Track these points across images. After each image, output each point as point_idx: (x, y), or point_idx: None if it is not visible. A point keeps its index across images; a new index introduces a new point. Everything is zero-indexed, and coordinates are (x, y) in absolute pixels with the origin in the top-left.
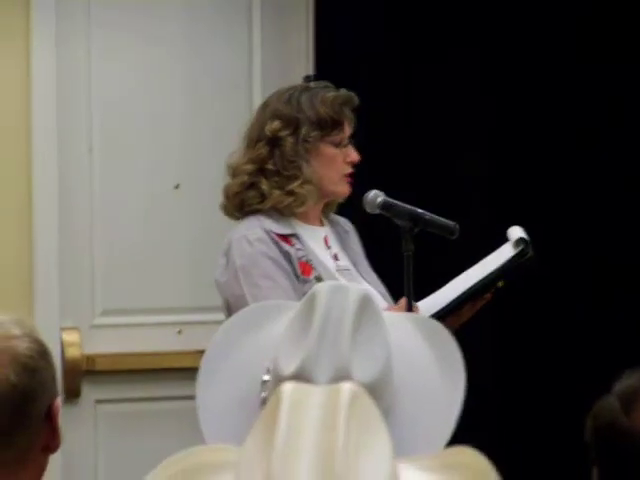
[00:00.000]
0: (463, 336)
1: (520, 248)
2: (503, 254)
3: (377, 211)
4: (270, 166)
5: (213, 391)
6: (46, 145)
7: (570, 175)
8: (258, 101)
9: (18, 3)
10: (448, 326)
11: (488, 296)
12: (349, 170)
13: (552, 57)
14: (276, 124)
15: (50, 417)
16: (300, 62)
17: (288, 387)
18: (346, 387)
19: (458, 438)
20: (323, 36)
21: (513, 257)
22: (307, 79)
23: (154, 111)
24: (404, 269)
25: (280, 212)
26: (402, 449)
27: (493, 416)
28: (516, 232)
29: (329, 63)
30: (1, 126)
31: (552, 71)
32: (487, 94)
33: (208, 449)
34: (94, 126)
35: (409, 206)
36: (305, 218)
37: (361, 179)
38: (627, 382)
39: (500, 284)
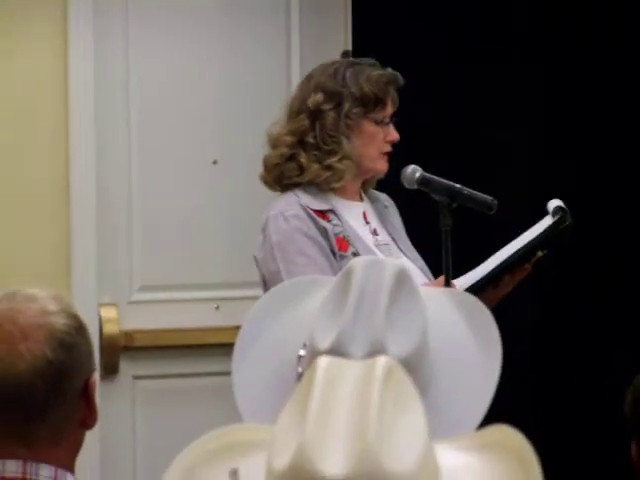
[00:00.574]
0: (502, 312)
1: (558, 216)
2: (542, 224)
3: (415, 186)
4: (310, 139)
5: (249, 367)
6: (84, 123)
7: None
8: (296, 76)
9: (56, 1)
10: (488, 298)
11: (528, 266)
12: (388, 149)
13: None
14: (319, 97)
15: (86, 393)
16: (338, 38)
17: (323, 361)
18: (381, 361)
19: (495, 415)
20: (362, 11)
21: (552, 225)
22: (345, 54)
23: (192, 89)
24: (442, 244)
25: (318, 186)
26: (438, 424)
27: (529, 393)
28: (554, 202)
29: (367, 40)
30: (40, 124)
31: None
32: (531, 69)
33: (243, 428)
34: (131, 103)
35: (447, 181)
36: (343, 193)
37: (399, 154)
38: None
39: (540, 254)
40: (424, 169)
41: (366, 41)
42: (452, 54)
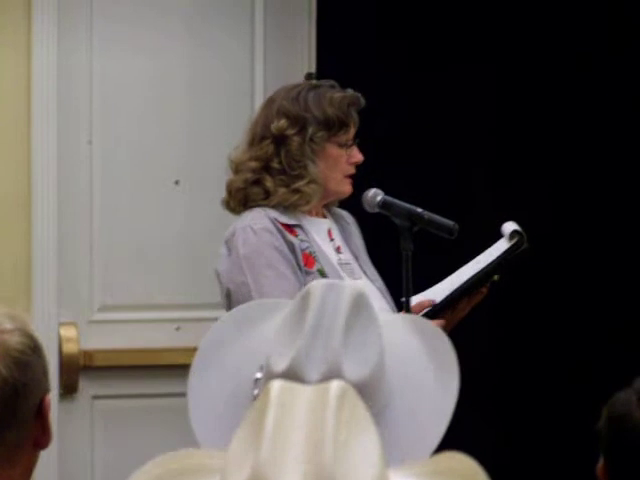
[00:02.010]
0: (460, 335)
1: (515, 240)
2: (498, 248)
3: (376, 210)
4: (275, 164)
5: (205, 388)
6: (46, 139)
7: (567, 176)
8: (260, 98)
9: (19, 6)
10: (445, 323)
11: (484, 290)
12: (352, 171)
13: (552, 61)
14: (283, 122)
15: (41, 413)
16: (302, 60)
17: (277, 385)
18: (334, 384)
19: (452, 439)
20: (325, 33)
21: (508, 249)
22: (309, 77)
23: (156, 111)
24: (403, 268)
25: (286, 208)
26: (394, 448)
27: (487, 418)
28: (510, 226)
29: (331, 61)
30: (1, 121)
31: (553, 75)
32: (487, 91)
33: (194, 453)
34: (94, 121)
35: (408, 205)
36: (308, 211)
37: (361, 177)
38: None
39: (496, 278)
40: (385, 192)
41: (330, 64)
42: (412, 74)
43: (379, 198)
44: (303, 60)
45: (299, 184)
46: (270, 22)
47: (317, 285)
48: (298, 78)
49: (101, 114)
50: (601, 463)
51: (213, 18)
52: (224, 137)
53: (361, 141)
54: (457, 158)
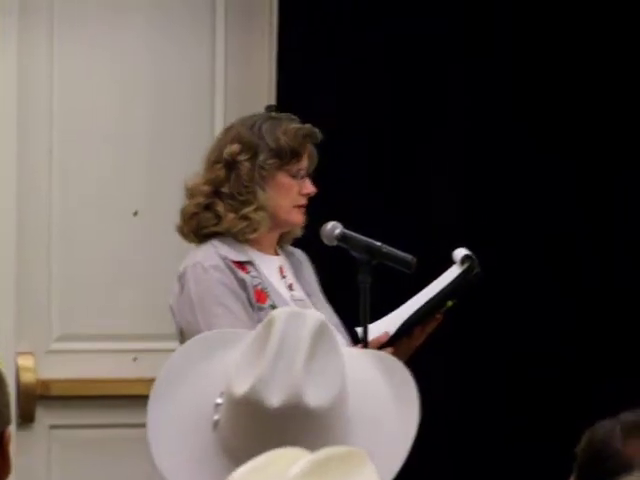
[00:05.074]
0: (418, 366)
1: (466, 265)
2: (450, 274)
3: (335, 243)
4: (226, 189)
5: (164, 416)
6: (5, 162)
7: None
8: (219, 127)
9: None
10: (401, 350)
11: (439, 317)
12: (303, 201)
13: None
14: (235, 147)
15: (1, 445)
16: (262, 91)
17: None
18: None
19: (412, 470)
20: (286, 45)
21: (460, 275)
22: (269, 109)
23: (116, 140)
24: (360, 300)
25: (234, 237)
26: None
27: (446, 452)
28: (461, 252)
29: (292, 80)
30: None
31: (520, 97)
32: (452, 119)
33: None
34: (54, 153)
35: (367, 238)
36: (260, 246)
37: (318, 210)
38: (635, 416)
39: (449, 304)
40: (344, 225)
41: (291, 96)
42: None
43: (337, 231)
44: (262, 92)
45: (247, 210)
46: (231, 50)
47: (280, 313)
48: (259, 110)
49: (61, 149)
50: None
51: (174, 36)
52: (183, 169)
53: (320, 171)
54: (421, 187)
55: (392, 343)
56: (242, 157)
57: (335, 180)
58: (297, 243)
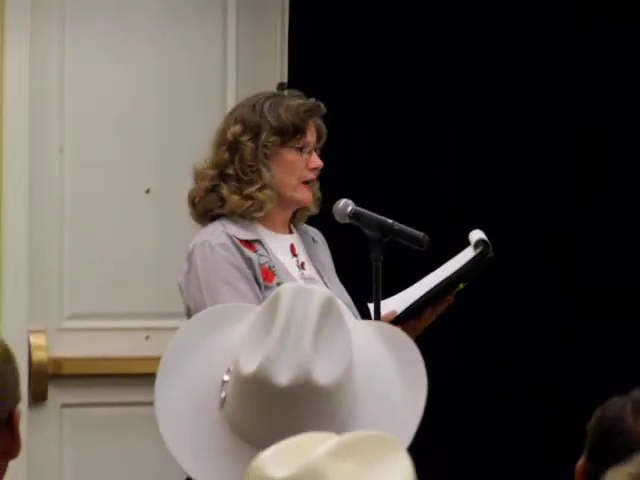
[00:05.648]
0: (428, 342)
1: (480, 249)
2: (464, 257)
3: (347, 220)
4: (230, 171)
5: (171, 391)
6: (17, 146)
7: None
8: (231, 107)
9: None
10: (409, 330)
11: (450, 299)
12: (311, 176)
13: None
14: (237, 128)
15: (11, 423)
16: (275, 70)
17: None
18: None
19: (418, 452)
20: (297, 39)
21: (473, 258)
22: (281, 87)
23: (129, 119)
24: (372, 278)
25: (242, 216)
26: None
27: (459, 422)
28: (476, 234)
29: (302, 66)
30: None
31: (526, 84)
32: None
33: None
34: (66, 129)
35: (379, 216)
36: (271, 225)
37: (332, 188)
38: None
39: (461, 286)
40: (356, 202)
41: (301, 90)
42: (388, 96)
43: (350, 209)
44: (275, 72)
45: (251, 190)
46: (242, 35)
47: (286, 289)
48: (270, 85)
49: (73, 124)
50: (582, 462)
51: (186, 27)
52: (195, 147)
53: (332, 150)
54: (431, 167)
55: (401, 322)
56: (245, 137)
57: (348, 156)
58: (308, 221)
